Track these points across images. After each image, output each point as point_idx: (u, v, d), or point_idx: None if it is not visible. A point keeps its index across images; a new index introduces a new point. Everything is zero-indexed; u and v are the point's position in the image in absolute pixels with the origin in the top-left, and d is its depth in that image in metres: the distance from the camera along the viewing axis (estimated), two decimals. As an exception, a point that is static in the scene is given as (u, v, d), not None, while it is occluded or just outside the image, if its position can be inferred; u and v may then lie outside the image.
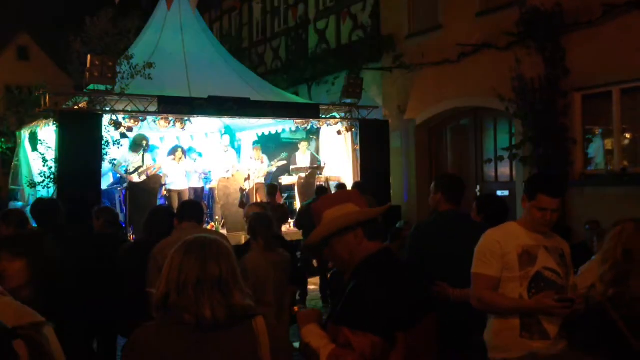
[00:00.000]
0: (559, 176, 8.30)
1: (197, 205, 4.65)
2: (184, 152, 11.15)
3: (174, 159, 10.88)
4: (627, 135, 8.77)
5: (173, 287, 1.91)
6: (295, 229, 9.60)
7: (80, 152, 8.54)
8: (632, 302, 2.27)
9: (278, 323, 4.05)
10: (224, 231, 10.05)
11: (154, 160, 10.97)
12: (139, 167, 10.17)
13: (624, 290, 2.32)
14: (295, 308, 2.30)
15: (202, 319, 1.87)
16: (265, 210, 4.94)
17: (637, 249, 2.38)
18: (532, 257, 2.91)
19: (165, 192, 10.76)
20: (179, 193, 10.78)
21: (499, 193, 9.58)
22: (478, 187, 10.55)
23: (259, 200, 10.18)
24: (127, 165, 10.15)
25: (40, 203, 4.64)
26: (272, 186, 9.30)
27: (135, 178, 10.10)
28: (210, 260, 1.94)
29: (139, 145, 10.26)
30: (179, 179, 10.87)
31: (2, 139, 13.51)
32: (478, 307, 3.00)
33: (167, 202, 10.51)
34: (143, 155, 10.33)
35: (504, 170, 10.44)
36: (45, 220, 4.27)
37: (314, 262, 9.10)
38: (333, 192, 9.21)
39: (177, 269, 1.93)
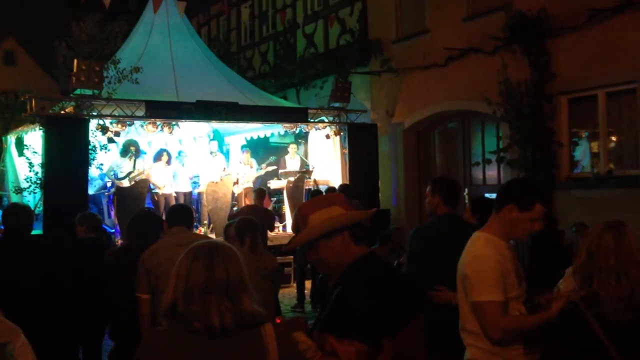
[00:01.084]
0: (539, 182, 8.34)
1: (186, 209, 4.58)
2: (169, 156, 11.09)
3: (160, 163, 10.82)
4: (613, 138, 8.85)
5: (180, 295, 1.89)
6: (284, 233, 9.59)
7: (67, 157, 8.49)
8: (603, 302, 2.28)
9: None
10: (212, 235, 10.01)
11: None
12: (130, 173, 10.12)
13: (592, 290, 2.35)
14: (278, 319, 2.28)
15: (211, 327, 1.86)
16: (243, 213, 4.94)
17: (599, 248, 2.41)
18: (519, 270, 2.77)
19: (156, 197, 10.71)
20: (165, 197, 10.73)
21: (487, 196, 9.60)
22: (466, 190, 10.58)
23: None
24: (118, 171, 10.10)
25: (9, 208, 4.54)
26: (260, 190, 9.28)
27: (125, 183, 10.07)
28: (218, 265, 1.92)
29: (127, 150, 10.22)
30: (166, 183, 10.80)
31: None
32: (502, 337, 2.65)
33: (154, 206, 10.46)
34: (135, 161, 10.28)
35: (492, 173, 10.49)
36: (10, 227, 4.20)
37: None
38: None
39: (185, 276, 1.91)
